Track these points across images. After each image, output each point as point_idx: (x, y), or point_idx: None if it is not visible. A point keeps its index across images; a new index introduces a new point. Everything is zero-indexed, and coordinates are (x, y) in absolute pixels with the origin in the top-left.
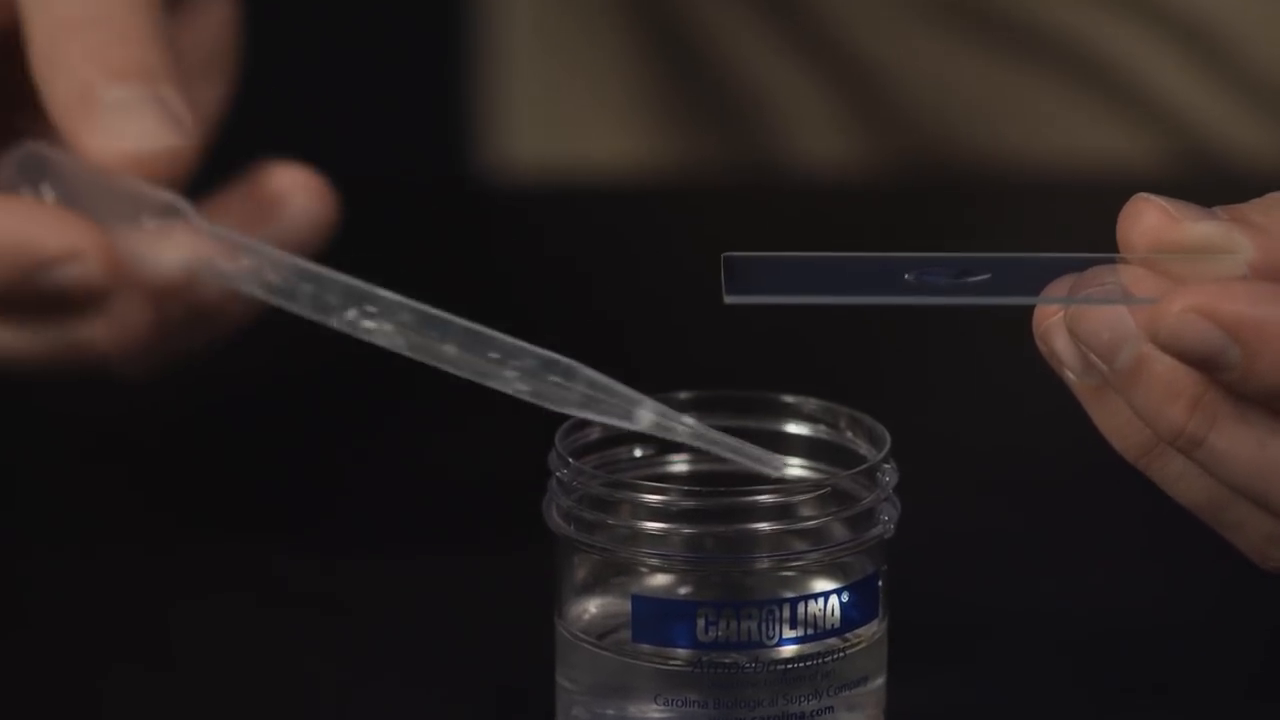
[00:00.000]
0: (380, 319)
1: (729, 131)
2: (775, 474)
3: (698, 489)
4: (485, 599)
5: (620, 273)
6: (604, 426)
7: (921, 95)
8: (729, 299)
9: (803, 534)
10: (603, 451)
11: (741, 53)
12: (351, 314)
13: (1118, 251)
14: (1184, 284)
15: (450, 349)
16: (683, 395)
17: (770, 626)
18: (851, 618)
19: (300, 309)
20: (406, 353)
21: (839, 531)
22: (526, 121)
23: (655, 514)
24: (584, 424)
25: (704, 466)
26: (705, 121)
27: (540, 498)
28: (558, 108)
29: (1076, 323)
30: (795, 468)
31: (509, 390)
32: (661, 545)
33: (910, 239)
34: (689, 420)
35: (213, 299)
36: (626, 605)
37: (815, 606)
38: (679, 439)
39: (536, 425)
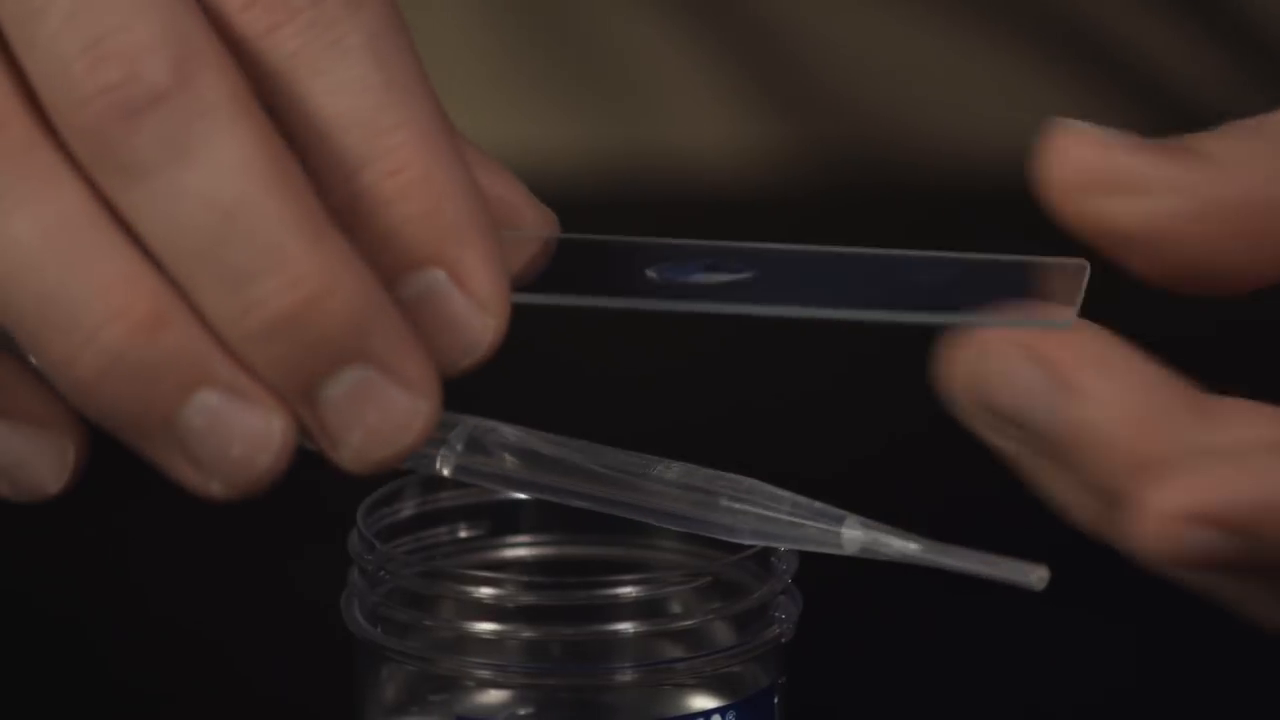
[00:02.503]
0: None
1: (589, 117)
2: (1039, 587)
3: (541, 580)
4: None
5: None
6: (419, 501)
7: (848, 69)
8: None
9: (676, 637)
10: (419, 533)
11: (607, 11)
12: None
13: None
14: (1149, 469)
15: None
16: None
17: None
18: None
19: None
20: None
21: (723, 634)
22: None
23: (486, 612)
24: (394, 497)
25: (550, 551)
26: (558, 104)
27: (339, 592)
28: None
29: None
30: (667, 551)
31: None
32: (494, 652)
33: None
34: (911, 538)
35: None
36: None
37: None
38: (895, 558)
39: (335, 496)
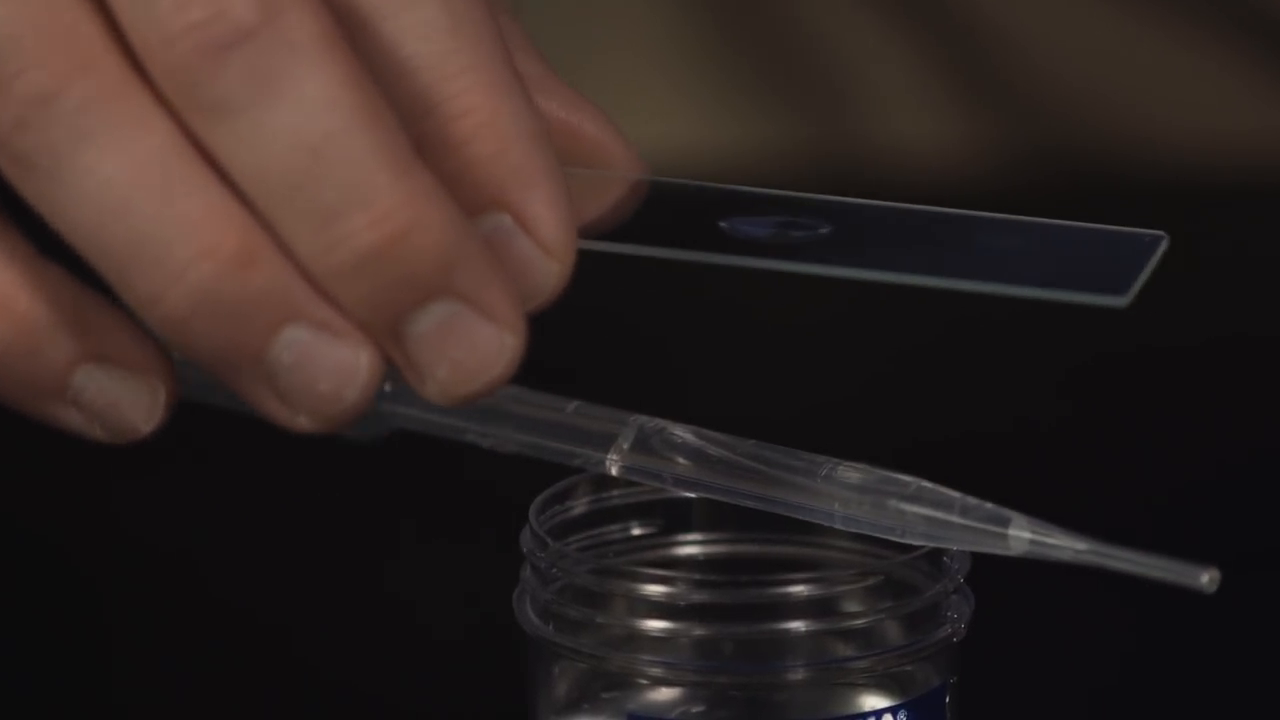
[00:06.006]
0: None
1: (794, 114)
2: (1210, 589)
3: (713, 578)
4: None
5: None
6: (591, 499)
7: (1054, 63)
8: None
9: (848, 636)
10: (591, 530)
11: (811, 8)
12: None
13: None
14: None
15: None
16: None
17: None
18: None
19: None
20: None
21: (894, 633)
22: None
23: (658, 610)
24: (566, 494)
25: (722, 549)
26: (764, 102)
27: (511, 589)
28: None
29: None
30: (839, 549)
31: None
32: (666, 650)
33: None
34: (1078, 538)
35: None
36: None
37: None
38: (1062, 559)
39: (507, 494)
